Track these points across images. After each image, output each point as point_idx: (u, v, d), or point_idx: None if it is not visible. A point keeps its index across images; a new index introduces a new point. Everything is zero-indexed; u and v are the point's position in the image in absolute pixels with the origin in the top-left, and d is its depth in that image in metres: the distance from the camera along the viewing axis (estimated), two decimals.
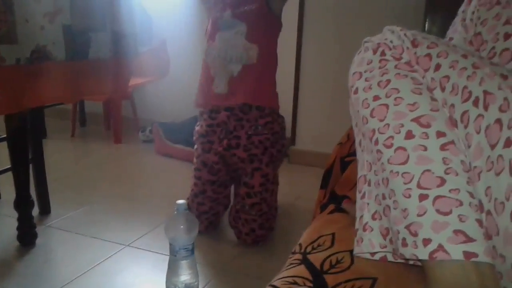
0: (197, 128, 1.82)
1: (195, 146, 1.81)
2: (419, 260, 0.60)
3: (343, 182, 1.13)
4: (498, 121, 0.59)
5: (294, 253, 0.86)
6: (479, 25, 0.84)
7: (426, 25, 2.01)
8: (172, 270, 1.34)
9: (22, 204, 1.64)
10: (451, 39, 0.91)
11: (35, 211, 1.81)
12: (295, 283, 0.73)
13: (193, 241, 1.33)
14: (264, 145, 1.69)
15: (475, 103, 0.61)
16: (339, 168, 1.19)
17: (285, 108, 2.01)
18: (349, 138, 1.27)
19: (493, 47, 0.80)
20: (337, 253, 0.80)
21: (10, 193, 1.66)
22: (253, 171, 1.68)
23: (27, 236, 1.66)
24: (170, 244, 1.32)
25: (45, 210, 1.92)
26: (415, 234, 0.59)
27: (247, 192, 1.68)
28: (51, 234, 1.76)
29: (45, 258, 1.58)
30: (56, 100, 1.38)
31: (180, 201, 1.32)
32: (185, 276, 1.34)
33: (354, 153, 0.84)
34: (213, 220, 1.78)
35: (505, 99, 0.60)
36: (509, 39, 0.78)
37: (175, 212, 1.31)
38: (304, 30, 2.65)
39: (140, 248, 1.65)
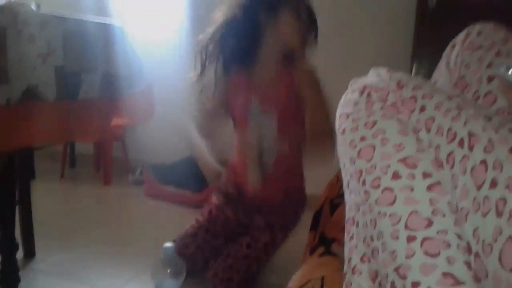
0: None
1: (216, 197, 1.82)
2: None
3: (333, 224, 1.12)
4: (483, 162, 0.59)
5: None
6: (463, 69, 0.86)
7: (413, 68, 2.06)
8: None
9: (6, 247, 1.59)
10: (436, 82, 0.93)
11: (20, 254, 1.76)
12: None
13: (179, 286, 1.30)
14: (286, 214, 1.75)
15: (460, 144, 0.62)
16: (328, 210, 1.18)
17: None
18: (339, 179, 1.27)
19: (477, 90, 0.82)
20: None
21: None
22: (265, 227, 1.71)
23: (10, 280, 1.60)
24: None
25: (30, 253, 1.87)
26: (404, 277, 0.58)
27: (248, 244, 1.67)
28: (35, 278, 1.70)
29: None
30: (44, 140, 1.37)
31: (167, 244, 1.30)
32: None
33: (343, 195, 0.83)
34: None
35: (490, 140, 0.60)
36: (491, 82, 0.80)
37: (162, 256, 1.29)
38: None
39: None
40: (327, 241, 1.05)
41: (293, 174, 1.76)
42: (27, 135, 1.26)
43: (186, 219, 1.88)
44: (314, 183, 1.93)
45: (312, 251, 1.05)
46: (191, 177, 2.29)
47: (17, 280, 1.62)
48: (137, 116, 1.77)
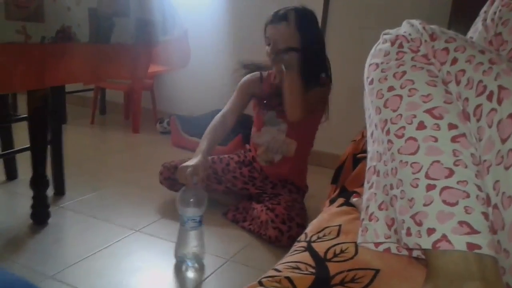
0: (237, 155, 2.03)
1: (230, 156, 2.02)
2: (422, 250, 0.60)
3: (354, 178, 1.13)
4: (511, 116, 0.59)
5: (299, 241, 0.86)
6: (500, 25, 0.84)
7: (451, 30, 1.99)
8: (181, 240, 1.46)
9: (37, 183, 1.67)
10: (471, 38, 0.91)
11: (50, 192, 1.84)
12: (297, 268, 0.73)
13: (202, 214, 1.44)
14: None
15: (489, 97, 0.61)
16: (351, 165, 1.19)
17: None
18: (363, 136, 1.27)
19: None
20: (342, 243, 0.81)
21: (27, 173, 1.69)
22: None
23: (40, 215, 1.69)
24: (180, 215, 1.44)
25: (60, 192, 1.95)
26: (419, 224, 0.59)
27: (294, 199, 1.84)
28: (63, 215, 1.78)
29: (56, 237, 1.60)
30: (76, 80, 1.41)
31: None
32: (193, 246, 1.45)
33: (366, 150, 0.84)
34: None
35: None
36: None
37: (185, 187, 1.45)
38: (327, 31, 2.65)
39: (149, 234, 1.67)
40: (347, 193, 1.07)
41: (296, 170, 1.96)
42: (60, 74, 1.29)
43: None
44: (340, 143, 1.95)
45: (331, 202, 1.07)
46: None
47: (47, 215, 1.70)
48: (172, 63, 1.78)
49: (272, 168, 1.93)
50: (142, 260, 1.49)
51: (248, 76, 1.94)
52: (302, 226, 1.66)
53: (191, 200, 1.42)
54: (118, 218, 1.77)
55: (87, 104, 3.48)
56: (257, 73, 1.93)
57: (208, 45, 2.99)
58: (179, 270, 1.45)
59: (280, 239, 1.63)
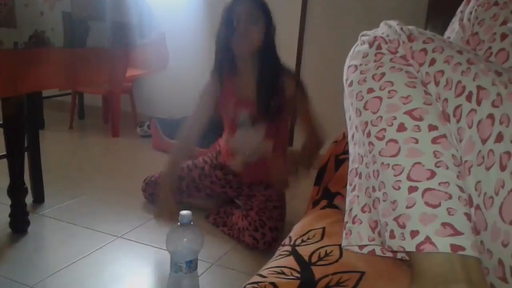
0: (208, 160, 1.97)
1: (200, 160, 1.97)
2: (406, 252, 0.60)
3: (337, 179, 1.13)
4: (491, 116, 0.59)
5: (283, 245, 0.85)
6: (476, 25, 0.84)
7: (428, 30, 2.01)
8: (172, 287, 1.24)
9: (15, 191, 1.63)
10: (448, 38, 0.91)
11: (29, 200, 1.80)
12: (282, 273, 0.72)
13: (196, 257, 1.24)
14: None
15: (468, 98, 0.61)
16: (333, 166, 1.18)
17: None
18: (345, 136, 1.27)
19: (490, 47, 0.80)
20: (326, 246, 0.80)
21: (4, 181, 1.65)
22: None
23: (19, 223, 1.65)
24: (171, 259, 1.23)
25: (39, 199, 1.91)
26: (403, 226, 0.59)
27: (267, 198, 1.79)
28: (43, 222, 1.75)
29: (36, 245, 1.57)
30: (51, 86, 1.37)
31: (184, 212, 1.23)
32: None
33: (348, 151, 0.84)
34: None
35: (498, 94, 0.60)
36: (505, 39, 0.78)
37: (178, 224, 1.22)
38: (306, 33, 2.65)
39: (131, 240, 1.64)
40: (330, 195, 1.07)
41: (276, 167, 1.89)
42: (34, 80, 1.26)
43: None
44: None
45: (314, 204, 1.06)
46: None
47: (27, 223, 1.67)
48: (150, 66, 1.76)
49: (249, 169, 1.87)
50: (124, 267, 1.47)
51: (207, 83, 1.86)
52: (276, 229, 1.68)
53: (185, 240, 1.21)
54: (99, 224, 1.74)
55: (65, 109, 3.42)
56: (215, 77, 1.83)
57: (186, 47, 2.96)
58: (163, 276, 1.44)
59: (257, 245, 1.64)
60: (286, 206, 1.86)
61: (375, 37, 0.73)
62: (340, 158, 1.19)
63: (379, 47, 0.72)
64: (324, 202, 1.02)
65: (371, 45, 0.73)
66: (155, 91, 3.28)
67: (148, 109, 3.30)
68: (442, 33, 0.96)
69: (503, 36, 0.79)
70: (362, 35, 0.77)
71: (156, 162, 2.61)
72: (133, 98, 3.26)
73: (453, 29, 0.92)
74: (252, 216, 1.69)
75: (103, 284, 1.37)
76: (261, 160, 1.84)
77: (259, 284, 0.70)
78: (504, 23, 0.80)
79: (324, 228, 0.87)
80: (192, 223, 1.23)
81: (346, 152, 1.18)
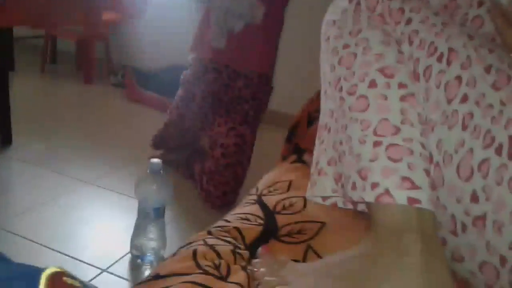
0: (186, 72, 1.83)
1: (179, 90, 1.86)
2: (366, 203, 0.62)
3: (308, 136, 1.14)
4: (458, 77, 0.61)
5: (250, 194, 0.87)
6: None
7: None
8: (138, 233, 1.25)
9: None
10: (427, 1, 0.92)
11: None
12: (247, 219, 0.74)
13: (164, 204, 1.24)
14: (243, 107, 1.70)
15: (439, 58, 0.63)
16: (305, 123, 1.20)
17: None
18: (319, 95, 1.28)
19: (466, 13, 0.81)
20: (291, 197, 0.83)
21: None
22: (228, 131, 1.67)
23: None
24: (139, 205, 1.24)
25: (7, 141, 1.87)
26: (364, 178, 0.61)
27: (222, 153, 1.66)
28: (11, 164, 1.73)
29: (3, 187, 1.56)
30: (23, 22, 1.33)
31: (154, 160, 1.23)
32: (152, 241, 1.24)
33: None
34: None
35: (468, 57, 0.61)
36: (482, 6, 0.80)
37: (148, 171, 1.21)
38: None
39: (100, 187, 1.64)
40: (300, 151, 1.08)
41: (262, 48, 1.71)
42: (5, 15, 1.21)
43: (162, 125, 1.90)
44: (299, 104, 1.95)
45: (284, 158, 1.08)
46: (174, 86, 2.29)
47: None
48: (127, 11, 1.70)
49: (230, 43, 1.61)
50: (92, 212, 1.48)
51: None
52: (229, 193, 1.64)
53: (153, 187, 1.21)
54: (68, 169, 1.73)
55: (37, 52, 3.31)
56: None
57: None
58: (130, 222, 1.45)
59: (208, 200, 1.65)
60: (257, 165, 1.85)
61: None
62: (313, 116, 1.21)
63: (358, 3, 0.72)
64: (293, 157, 1.04)
65: (350, 1, 0.73)
66: (132, 41, 3.20)
67: (123, 58, 3.23)
68: None
69: (480, 3, 0.80)
70: None
71: (128, 111, 2.59)
72: (109, 46, 3.18)
73: None
74: (208, 168, 1.66)
75: (71, 226, 1.38)
76: (249, 29, 1.59)
77: (224, 228, 0.72)
78: None
79: (291, 181, 0.89)
80: (161, 171, 1.24)
81: (319, 109, 1.19)
